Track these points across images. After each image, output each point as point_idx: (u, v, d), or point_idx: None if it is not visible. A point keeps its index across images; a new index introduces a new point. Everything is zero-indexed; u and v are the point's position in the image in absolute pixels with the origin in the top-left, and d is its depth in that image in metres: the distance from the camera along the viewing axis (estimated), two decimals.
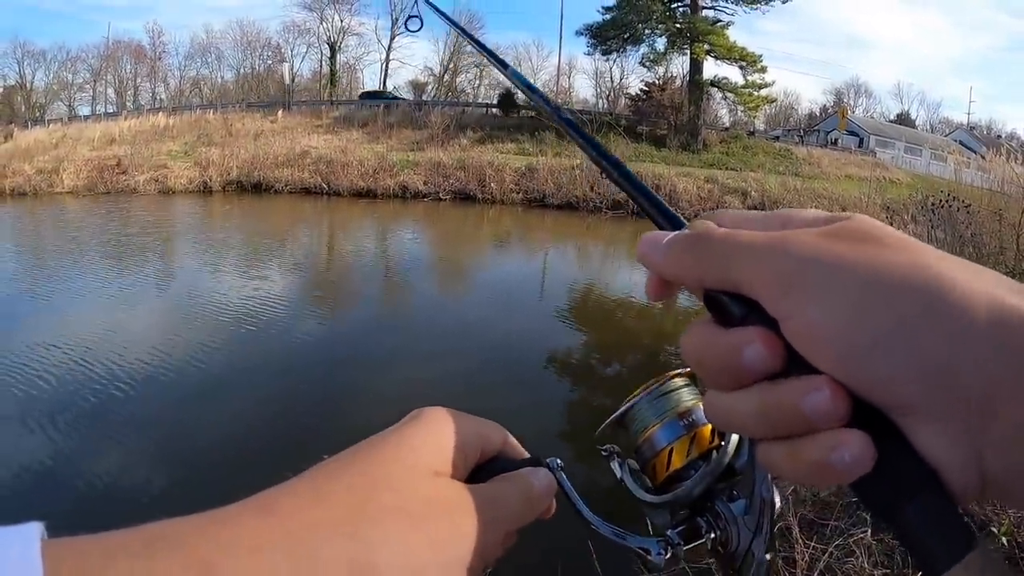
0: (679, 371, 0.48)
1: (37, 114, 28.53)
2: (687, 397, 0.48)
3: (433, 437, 0.30)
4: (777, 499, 0.41)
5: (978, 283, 0.21)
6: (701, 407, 0.47)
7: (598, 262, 13.71)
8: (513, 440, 0.38)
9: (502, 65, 0.61)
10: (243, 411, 5.27)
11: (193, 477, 4.33)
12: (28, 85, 29.92)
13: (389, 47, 24.17)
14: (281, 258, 11.80)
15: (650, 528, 0.46)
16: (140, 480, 4.33)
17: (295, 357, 6.61)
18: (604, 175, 0.34)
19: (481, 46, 0.68)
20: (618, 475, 0.49)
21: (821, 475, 0.22)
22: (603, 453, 0.51)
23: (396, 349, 6.71)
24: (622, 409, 0.49)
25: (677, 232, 0.27)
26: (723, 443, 0.45)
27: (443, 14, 0.90)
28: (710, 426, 0.47)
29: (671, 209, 0.30)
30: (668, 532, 0.45)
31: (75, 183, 20.74)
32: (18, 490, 4.17)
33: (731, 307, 0.25)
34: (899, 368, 0.21)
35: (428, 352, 6.51)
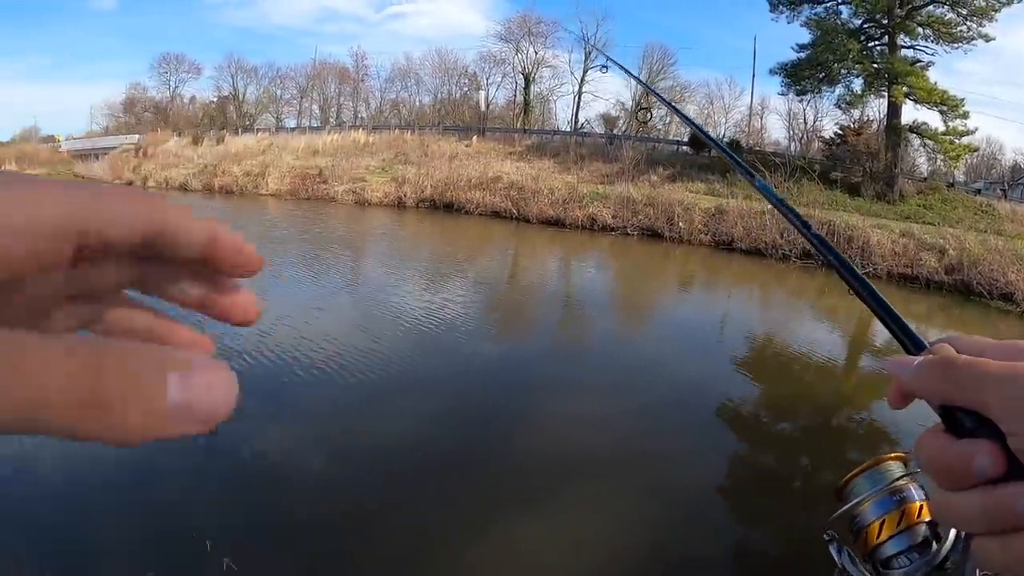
0: (892, 455, 0.55)
1: (247, 123, 32.14)
2: (898, 478, 0.55)
3: None
4: None
5: None
6: (911, 487, 0.55)
7: (781, 313, 13.18)
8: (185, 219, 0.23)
9: (750, 175, 0.63)
10: (407, 422, 5.37)
11: (349, 474, 4.51)
12: (240, 96, 33.76)
13: (582, 80, 24.73)
14: (465, 276, 12.33)
15: None
16: (302, 471, 4.52)
17: (466, 374, 6.72)
18: (851, 291, 0.41)
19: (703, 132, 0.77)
20: (837, 561, 0.55)
21: None
22: (826, 538, 0.56)
23: (566, 379, 6.72)
24: (844, 480, 0.56)
25: (925, 357, 0.33)
26: (932, 526, 0.51)
27: (666, 101, 1.05)
28: (918, 503, 0.52)
29: (913, 331, 0.36)
30: None
31: (278, 187, 22.96)
32: (184, 460, 4.51)
33: (964, 421, 0.30)
34: None
35: (599, 386, 6.54)
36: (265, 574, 3.40)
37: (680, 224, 16.38)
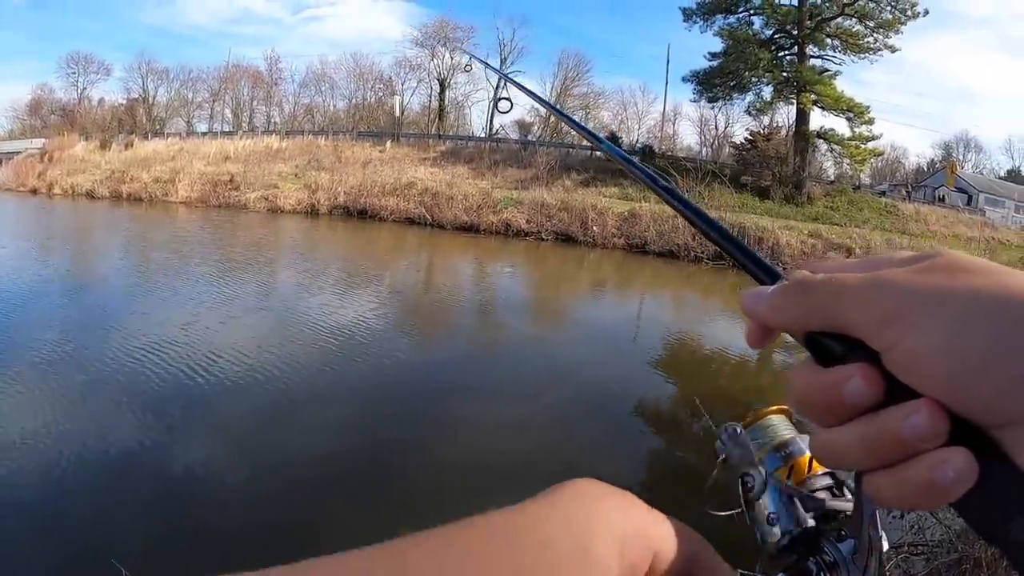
0: (773, 408, 0.51)
1: (157, 127, 30.71)
2: (783, 431, 0.51)
3: (577, 522, 0.26)
4: (884, 538, 0.41)
5: None
6: (798, 439, 0.51)
7: (695, 313, 13.32)
8: (716, 558, 0.30)
9: (595, 138, 0.64)
10: (321, 434, 5.31)
11: (261, 489, 4.40)
12: (150, 99, 32.20)
13: (497, 86, 24.59)
14: (380, 284, 12.07)
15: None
16: (213, 487, 4.43)
17: (382, 383, 6.62)
18: (701, 233, 0.37)
19: (573, 121, 0.78)
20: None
21: (927, 496, 0.23)
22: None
23: (482, 386, 6.68)
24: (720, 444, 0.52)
25: (779, 283, 0.29)
26: (820, 475, 0.47)
27: (527, 91, 1.01)
28: (807, 456, 0.49)
29: (767, 262, 0.32)
30: (779, 574, 0.46)
31: (189, 194, 21.95)
32: (98, 479, 4.36)
33: (831, 346, 0.26)
34: (1000, 383, 0.21)
35: (517, 389, 6.52)
36: None
37: (594, 228, 16.38)
